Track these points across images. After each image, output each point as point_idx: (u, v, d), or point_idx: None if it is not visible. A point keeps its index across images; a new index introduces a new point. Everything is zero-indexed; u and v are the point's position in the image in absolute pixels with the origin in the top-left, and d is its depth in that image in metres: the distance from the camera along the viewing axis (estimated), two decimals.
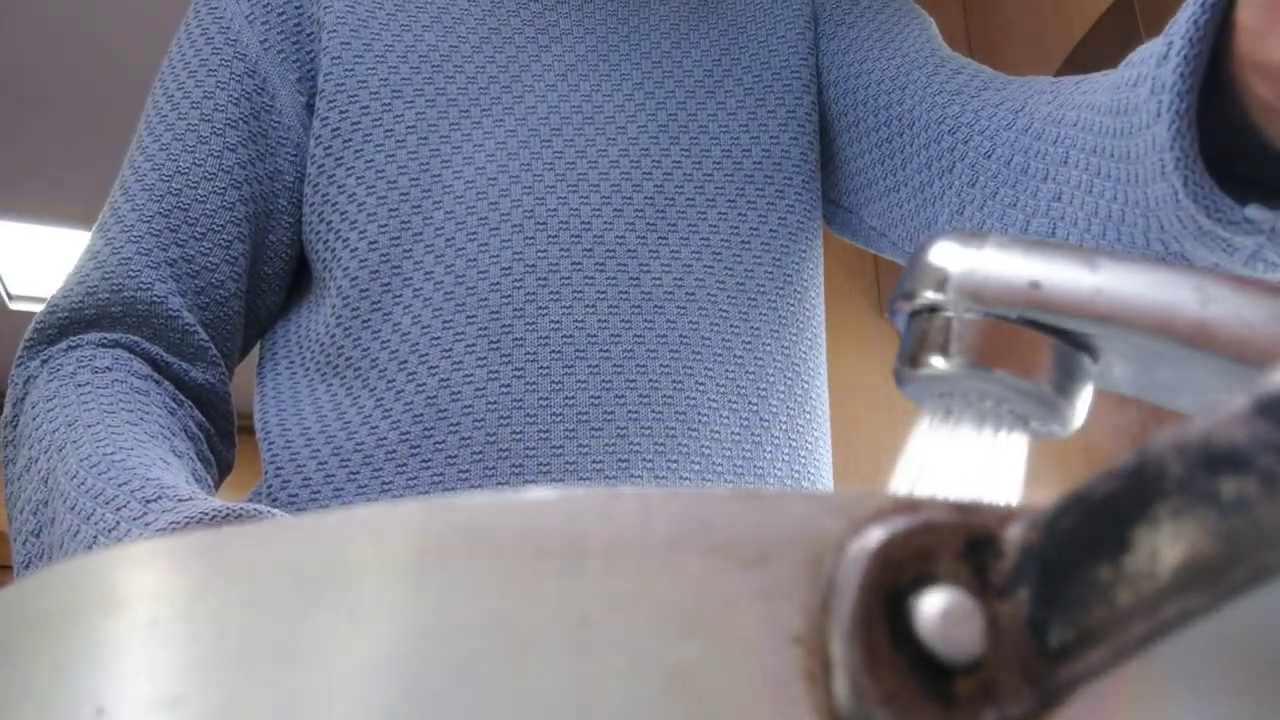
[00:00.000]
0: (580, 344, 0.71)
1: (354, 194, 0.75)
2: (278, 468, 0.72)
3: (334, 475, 0.70)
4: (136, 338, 0.72)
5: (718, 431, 0.72)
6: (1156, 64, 0.49)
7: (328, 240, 0.76)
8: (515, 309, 0.71)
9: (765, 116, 0.80)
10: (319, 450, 0.71)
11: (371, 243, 0.74)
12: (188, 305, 0.74)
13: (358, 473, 0.70)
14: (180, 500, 0.54)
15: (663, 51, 0.81)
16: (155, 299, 0.72)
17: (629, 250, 0.74)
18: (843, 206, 0.84)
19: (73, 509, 0.57)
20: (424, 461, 0.69)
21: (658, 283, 0.73)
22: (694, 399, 0.72)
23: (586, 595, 0.18)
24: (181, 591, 0.19)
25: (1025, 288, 0.27)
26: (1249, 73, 0.45)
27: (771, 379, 0.75)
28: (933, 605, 0.18)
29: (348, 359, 0.73)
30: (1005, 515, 0.19)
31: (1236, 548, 0.16)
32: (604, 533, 0.18)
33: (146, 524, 0.53)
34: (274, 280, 0.79)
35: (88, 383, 0.67)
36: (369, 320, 0.73)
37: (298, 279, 0.81)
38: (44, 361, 0.70)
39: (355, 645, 0.18)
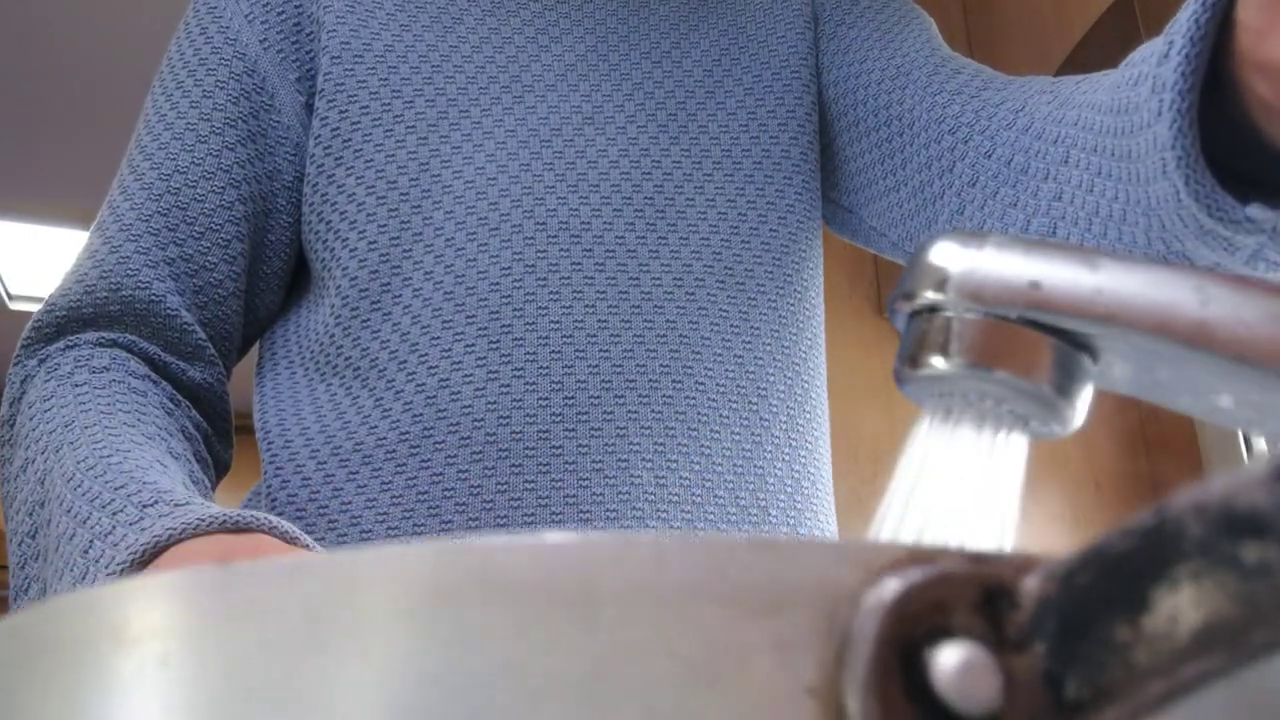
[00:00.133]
0: (580, 344, 0.71)
1: (353, 194, 0.75)
2: (277, 468, 0.72)
3: (333, 475, 0.70)
4: (134, 337, 0.72)
5: (718, 431, 0.72)
6: (1157, 63, 0.49)
7: (327, 240, 0.76)
8: (515, 309, 0.71)
9: (765, 116, 0.80)
10: (318, 450, 0.71)
11: (371, 243, 0.74)
12: (186, 304, 0.74)
13: (357, 472, 0.70)
14: (177, 505, 0.54)
15: (663, 51, 0.81)
16: (153, 298, 0.72)
17: (629, 250, 0.74)
18: (843, 206, 0.84)
19: (69, 512, 0.57)
20: (423, 461, 0.68)
21: (658, 283, 0.73)
22: (694, 399, 0.72)
23: (600, 644, 0.18)
24: (194, 628, 0.19)
25: (1025, 288, 0.26)
26: (1249, 71, 0.45)
27: (771, 379, 0.75)
28: (949, 659, 0.18)
29: (347, 359, 0.73)
30: (1021, 566, 0.19)
31: (1257, 612, 0.16)
32: (618, 580, 0.18)
33: (143, 529, 0.53)
34: (273, 280, 0.79)
35: (85, 383, 0.67)
36: (368, 320, 0.73)
37: (297, 279, 0.81)
38: (41, 361, 0.70)
39: (367, 688, 0.18)
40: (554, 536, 0.19)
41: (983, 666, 0.18)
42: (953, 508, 0.26)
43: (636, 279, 0.73)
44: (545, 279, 0.72)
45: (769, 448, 0.74)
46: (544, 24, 0.81)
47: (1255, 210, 0.47)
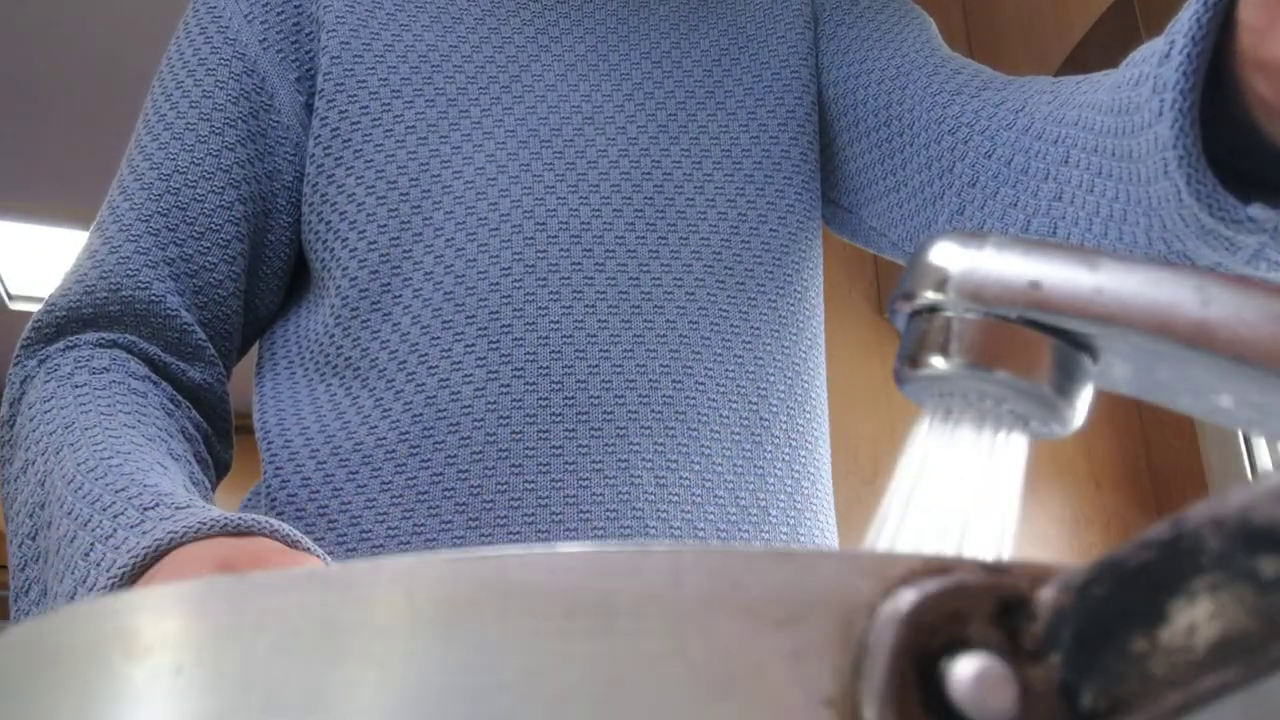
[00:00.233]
0: (580, 344, 0.71)
1: (353, 194, 0.75)
2: (277, 468, 0.72)
3: (333, 475, 0.70)
4: (134, 337, 0.72)
5: (718, 431, 0.72)
6: (1158, 63, 0.49)
7: (327, 240, 0.76)
8: (515, 309, 0.71)
9: (765, 116, 0.80)
10: (318, 450, 0.71)
11: (371, 243, 0.74)
12: (186, 304, 0.74)
13: (357, 472, 0.70)
14: (178, 508, 0.54)
15: (663, 51, 0.81)
16: (153, 298, 0.72)
17: (629, 250, 0.73)
18: (843, 206, 0.84)
19: (69, 514, 0.57)
20: (423, 461, 0.68)
21: (658, 283, 0.73)
22: (694, 399, 0.72)
23: (617, 655, 0.18)
24: (208, 638, 0.19)
25: (1025, 288, 0.26)
26: (1250, 71, 0.45)
27: (771, 379, 0.75)
28: (965, 670, 0.18)
29: (347, 359, 0.73)
30: (1036, 576, 0.19)
31: (1274, 625, 0.16)
32: (635, 590, 0.18)
33: (144, 532, 0.53)
34: (272, 280, 0.79)
35: (85, 384, 0.66)
36: (368, 320, 0.73)
37: (296, 279, 0.81)
38: (41, 361, 0.70)
39: (383, 698, 0.18)
40: (570, 547, 0.19)
41: (999, 677, 0.18)
42: (953, 508, 0.26)
43: (636, 279, 0.73)
44: (545, 279, 0.72)
45: (769, 448, 0.73)
46: (544, 24, 0.81)
47: (1256, 210, 0.47)
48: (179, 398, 0.72)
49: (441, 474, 0.68)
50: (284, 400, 0.75)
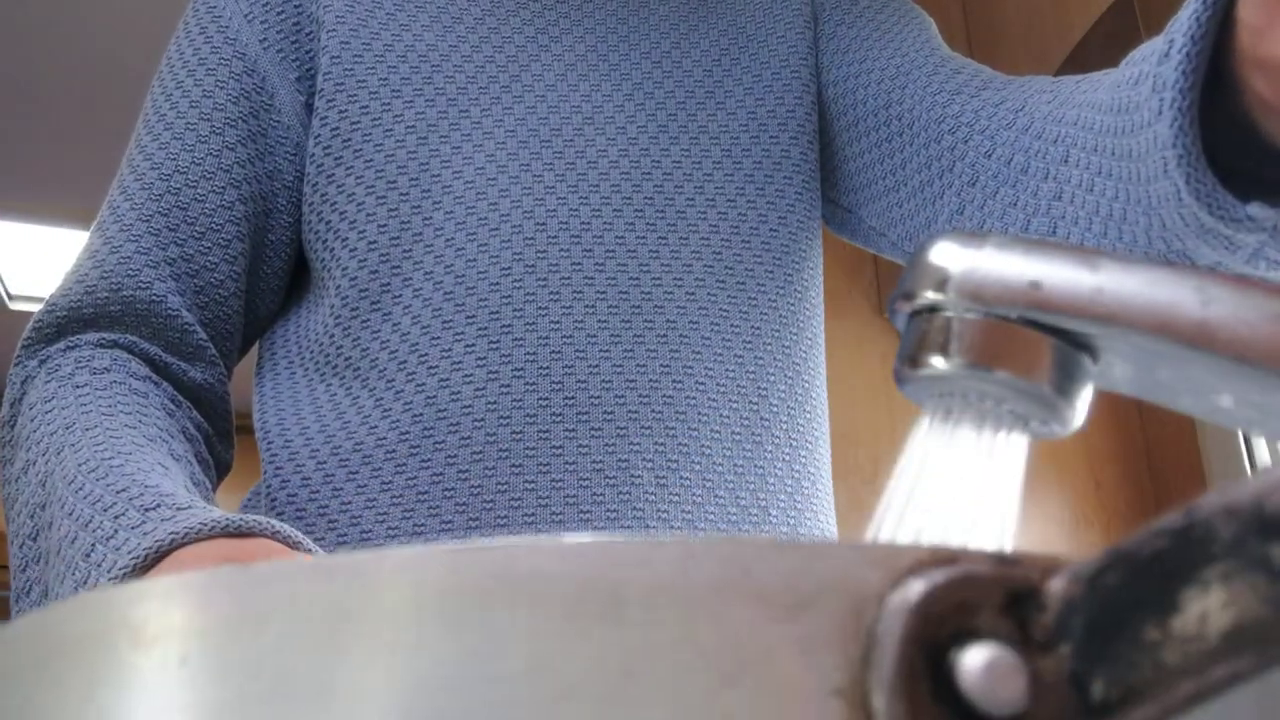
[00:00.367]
0: (580, 344, 0.71)
1: (353, 194, 0.75)
2: (277, 468, 0.72)
3: (333, 475, 0.70)
4: (135, 337, 0.72)
5: (718, 431, 0.72)
6: (1158, 62, 0.49)
7: (327, 240, 0.76)
8: (515, 309, 0.71)
9: (765, 116, 0.80)
10: (318, 450, 0.71)
11: (371, 243, 0.74)
12: (186, 304, 0.74)
13: (357, 472, 0.70)
14: (179, 509, 0.54)
15: (663, 51, 0.81)
16: (154, 298, 0.72)
17: (629, 250, 0.74)
18: (842, 206, 0.84)
19: (70, 515, 0.57)
20: (424, 461, 0.68)
21: (658, 283, 0.73)
22: (694, 399, 0.72)
23: (627, 644, 0.18)
24: (214, 628, 0.19)
25: (1025, 288, 0.26)
26: (1249, 69, 0.45)
27: (771, 379, 0.75)
28: (975, 659, 0.18)
29: (347, 359, 0.73)
30: (1046, 567, 0.19)
31: None
32: (645, 580, 0.18)
33: (145, 533, 0.53)
34: (273, 280, 0.79)
35: (86, 384, 0.66)
36: (368, 320, 0.73)
37: (297, 279, 0.81)
38: (42, 362, 0.70)
39: (390, 688, 0.18)
40: (579, 537, 0.19)
41: (1009, 667, 0.18)
42: (953, 508, 0.26)
43: (636, 279, 0.73)
44: (545, 279, 0.72)
45: (769, 448, 0.74)
46: (544, 24, 0.81)
47: (1256, 209, 0.47)
48: (180, 398, 0.72)
49: (442, 474, 0.68)
50: (284, 400, 0.75)
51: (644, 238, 0.74)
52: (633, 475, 0.68)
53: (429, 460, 0.68)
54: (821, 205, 0.83)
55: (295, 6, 0.79)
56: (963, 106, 0.71)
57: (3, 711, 0.20)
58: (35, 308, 0.89)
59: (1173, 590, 0.17)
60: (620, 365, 0.71)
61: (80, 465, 0.59)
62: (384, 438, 0.70)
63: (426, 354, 0.71)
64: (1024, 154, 0.65)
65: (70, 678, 0.20)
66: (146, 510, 0.54)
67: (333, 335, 0.74)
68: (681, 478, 0.70)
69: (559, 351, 0.70)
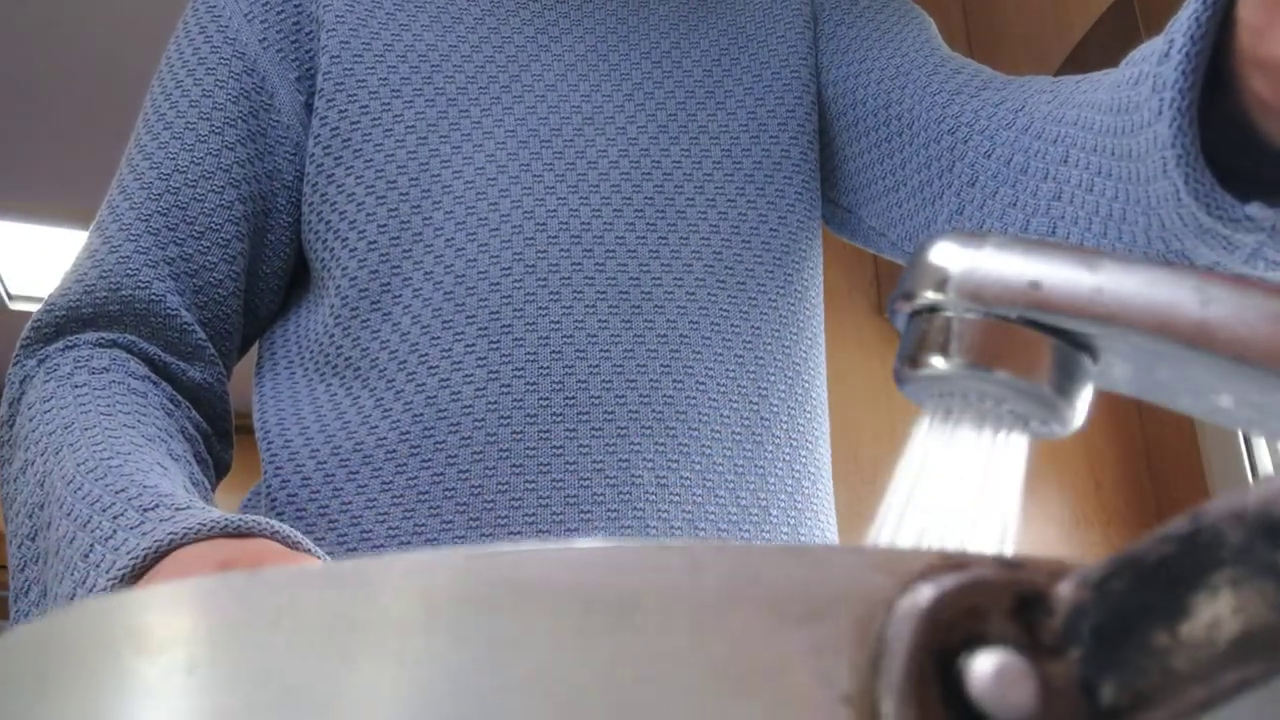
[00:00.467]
0: (580, 344, 0.71)
1: (353, 194, 0.75)
2: (277, 468, 0.72)
3: (333, 475, 0.70)
4: (134, 337, 0.72)
5: (718, 431, 0.72)
6: (1158, 62, 0.49)
7: (326, 240, 0.76)
8: (515, 309, 0.71)
9: (765, 116, 0.80)
10: (318, 450, 0.71)
11: (371, 243, 0.74)
12: (186, 304, 0.73)
13: (357, 472, 0.70)
14: (178, 509, 0.54)
15: (662, 51, 0.81)
16: (153, 298, 0.72)
17: (629, 250, 0.74)
18: (842, 206, 0.84)
19: (69, 515, 0.57)
20: (424, 461, 0.68)
21: (658, 283, 0.73)
22: (694, 399, 0.72)
23: (636, 651, 0.18)
24: (221, 635, 0.19)
25: (1025, 288, 0.26)
26: (1249, 69, 0.45)
27: (771, 379, 0.75)
28: (984, 665, 0.18)
29: (347, 359, 0.73)
30: (1054, 572, 0.19)
31: None
32: (653, 587, 0.18)
33: (144, 533, 0.52)
34: (272, 280, 0.79)
35: (85, 384, 0.66)
36: (368, 320, 0.73)
37: (296, 279, 0.81)
38: (41, 361, 0.70)
39: (398, 695, 0.18)
40: (588, 543, 0.19)
41: (1018, 673, 0.18)
42: (953, 508, 0.26)
43: (637, 279, 0.73)
44: (545, 279, 0.72)
45: (769, 448, 0.74)
46: (544, 24, 0.81)
47: (1254, 209, 0.47)
48: (179, 398, 0.72)
49: (442, 474, 0.68)
50: (284, 400, 0.75)
51: (644, 238, 0.74)
52: (633, 475, 0.68)
53: (429, 460, 0.68)
54: (821, 205, 0.83)
55: (295, 6, 0.79)
56: (962, 106, 0.71)
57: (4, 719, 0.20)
58: (35, 308, 0.89)
59: (1182, 596, 0.17)
60: (620, 365, 0.71)
61: (79, 465, 0.59)
62: (384, 438, 0.70)
63: (426, 354, 0.71)
64: (1023, 154, 0.65)
65: (73, 686, 0.19)
66: (145, 510, 0.54)
67: (332, 335, 0.74)
68: (681, 478, 0.70)
69: (559, 351, 0.70)
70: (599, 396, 0.70)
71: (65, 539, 0.56)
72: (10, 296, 3.74)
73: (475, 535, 0.67)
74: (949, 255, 0.28)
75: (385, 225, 0.74)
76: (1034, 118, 0.65)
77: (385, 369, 0.71)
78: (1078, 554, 1.89)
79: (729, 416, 0.72)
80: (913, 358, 0.28)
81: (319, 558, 0.53)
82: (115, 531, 0.54)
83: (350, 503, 0.69)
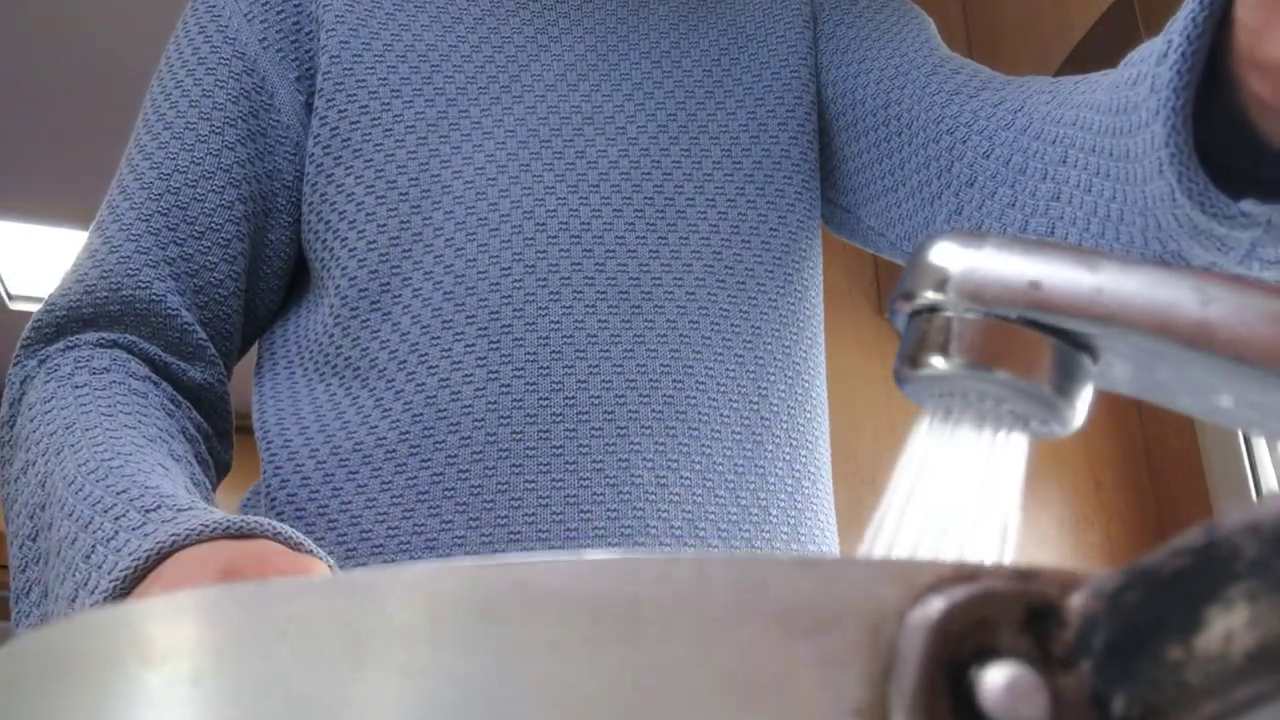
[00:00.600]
0: (580, 344, 0.71)
1: (353, 194, 0.75)
2: (276, 468, 0.72)
3: (333, 475, 0.70)
4: (134, 337, 0.72)
5: (718, 431, 0.72)
6: (1156, 62, 0.49)
7: (326, 240, 0.76)
8: (515, 309, 0.71)
9: (765, 116, 0.80)
10: (318, 450, 0.71)
11: (370, 243, 0.74)
12: (186, 304, 0.74)
13: (357, 472, 0.70)
14: (179, 510, 0.54)
15: (662, 51, 0.81)
16: (154, 298, 0.72)
17: (629, 250, 0.74)
18: (841, 206, 0.84)
19: (70, 516, 0.57)
20: (424, 461, 0.68)
21: (658, 283, 0.73)
22: (694, 399, 0.72)
23: (644, 662, 0.17)
24: (227, 646, 0.19)
25: (1025, 288, 0.26)
26: (1246, 69, 0.45)
27: (771, 379, 0.75)
28: (996, 678, 0.17)
29: (347, 359, 0.73)
30: (1066, 583, 0.19)
31: None
32: (662, 597, 0.18)
33: (145, 534, 0.52)
34: (272, 279, 0.79)
35: (85, 384, 0.66)
36: (368, 320, 0.73)
37: (296, 279, 0.81)
38: (41, 361, 0.70)
39: (406, 707, 0.17)
40: (596, 554, 0.19)
41: (1029, 685, 0.18)
42: (953, 508, 0.26)
43: (637, 279, 0.73)
44: (545, 279, 0.72)
45: (769, 447, 0.74)
46: (544, 24, 0.81)
47: (1249, 205, 0.47)
48: (179, 398, 0.72)
49: (442, 474, 0.68)
50: (284, 400, 0.75)
51: (644, 238, 0.74)
52: (633, 475, 0.69)
53: (429, 460, 0.68)
54: (821, 205, 0.83)
55: (295, 6, 0.79)
56: (961, 107, 0.71)
57: None
58: (35, 308, 0.89)
59: (1195, 608, 0.17)
60: (620, 365, 0.71)
61: (80, 466, 0.59)
62: (384, 437, 0.70)
63: (426, 354, 0.71)
64: (1022, 154, 0.65)
65: (78, 695, 0.19)
66: (147, 511, 0.54)
67: (332, 335, 0.74)
68: (681, 477, 0.70)
69: (559, 351, 0.70)
70: (599, 396, 0.70)
71: (67, 540, 0.56)
72: (10, 296, 3.74)
73: (475, 535, 0.67)
74: (949, 255, 0.28)
75: (385, 225, 0.74)
76: (1033, 118, 0.65)
77: (385, 369, 0.71)
78: (1077, 553, 1.89)
79: (729, 416, 0.73)
80: (913, 358, 0.28)
81: (320, 558, 0.53)
82: (117, 533, 0.54)
83: (350, 503, 0.69)
